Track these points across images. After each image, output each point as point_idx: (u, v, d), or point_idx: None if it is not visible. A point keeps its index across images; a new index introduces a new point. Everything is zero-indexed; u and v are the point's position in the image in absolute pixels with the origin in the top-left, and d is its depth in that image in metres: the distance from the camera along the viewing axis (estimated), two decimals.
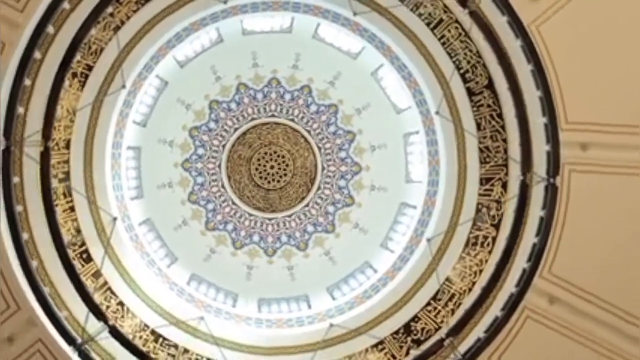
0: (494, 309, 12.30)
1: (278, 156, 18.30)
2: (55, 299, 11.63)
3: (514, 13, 10.81)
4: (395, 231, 16.98)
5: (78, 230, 13.61)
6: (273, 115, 18.22)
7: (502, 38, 11.19)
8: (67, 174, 13.59)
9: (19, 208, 11.10)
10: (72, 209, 13.62)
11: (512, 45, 11.07)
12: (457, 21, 13.50)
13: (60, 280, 12.23)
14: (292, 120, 18.15)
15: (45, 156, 11.55)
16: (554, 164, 10.98)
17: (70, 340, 11.08)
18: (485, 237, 13.97)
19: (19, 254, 10.86)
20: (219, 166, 18.16)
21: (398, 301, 14.59)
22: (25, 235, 11.14)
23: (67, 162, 13.59)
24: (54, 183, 12.60)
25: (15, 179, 11.09)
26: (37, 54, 11.18)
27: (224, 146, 18.08)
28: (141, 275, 14.62)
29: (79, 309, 12.27)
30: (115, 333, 11.69)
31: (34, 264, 11.08)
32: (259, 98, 18.10)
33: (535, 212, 11.55)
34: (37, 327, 11.29)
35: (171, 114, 17.57)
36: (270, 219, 18.40)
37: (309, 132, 18.20)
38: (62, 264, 11.86)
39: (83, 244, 13.65)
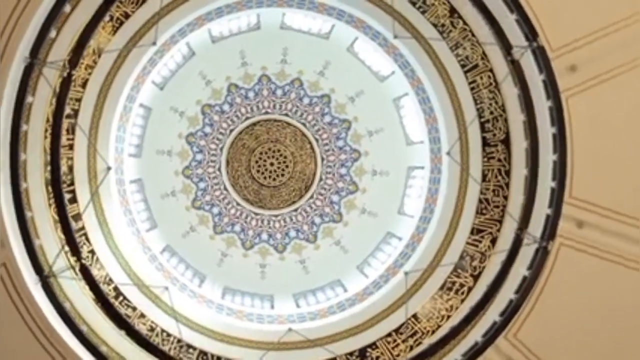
0: (454, 354, 12.28)
1: (280, 155, 18.30)
2: (32, 226, 11.44)
3: (552, 75, 10.93)
4: (375, 257, 16.98)
5: (70, 169, 13.54)
6: (287, 115, 18.25)
7: (533, 94, 11.28)
8: (76, 112, 13.56)
9: (24, 127, 11.01)
10: (71, 146, 13.57)
11: (542, 104, 11.19)
12: (491, 70, 13.65)
13: (42, 209, 12.09)
14: (304, 124, 18.19)
15: (65, 83, 11.46)
16: (551, 229, 11.06)
17: (37, 270, 10.91)
18: (462, 285, 14.01)
19: (12, 173, 10.73)
20: (221, 149, 18.13)
21: (361, 324, 14.56)
22: (23, 156, 11.03)
23: (79, 100, 13.58)
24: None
25: (29, 99, 11.01)
26: None
27: (231, 131, 18.09)
28: (119, 231, 14.51)
29: (53, 244, 12.12)
30: (85, 274, 11.52)
31: (23, 185, 10.95)
32: (279, 94, 18.14)
33: (519, 270, 11.58)
34: (4, 250, 11.12)
35: (189, 85, 17.55)
36: (256, 214, 18.37)
37: (317, 140, 18.24)
38: (54, 194, 11.68)
39: (72, 183, 13.56)
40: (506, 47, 11.00)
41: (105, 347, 11.71)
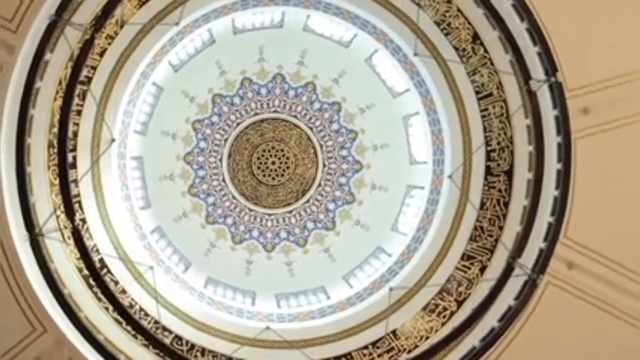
0: None
1: (283, 155, 18.32)
2: (29, 184, 11.38)
3: (566, 113, 11.01)
4: (362, 270, 16.96)
5: (75, 135, 13.49)
6: (296, 117, 18.30)
7: (544, 127, 11.34)
8: (90, 79, 13.56)
9: (38, 84, 11.00)
10: (79, 112, 13.53)
11: (551, 138, 11.27)
12: (504, 101, 13.69)
13: (41, 169, 12.06)
14: (311, 129, 18.23)
15: (84, 48, 11.47)
16: (542, 263, 11.08)
17: (28, 227, 10.85)
18: (445, 309, 14.02)
19: (19, 127, 10.71)
20: (225, 140, 18.14)
21: (339, 332, 14.50)
22: (32, 112, 11.02)
23: (94, 68, 13.58)
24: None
25: (47, 56, 11.02)
26: None
27: (237, 124, 18.12)
28: (113, 204, 14.46)
29: (46, 205, 12.07)
30: (76, 239, 11.45)
31: (27, 140, 10.93)
32: (291, 95, 18.21)
33: (506, 298, 11.60)
34: None
35: (204, 73, 17.57)
36: (250, 210, 18.35)
37: (321, 146, 18.27)
38: (58, 156, 11.64)
39: (74, 149, 13.49)
40: (525, 77, 11.05)
41: (82, 314, 11.58)
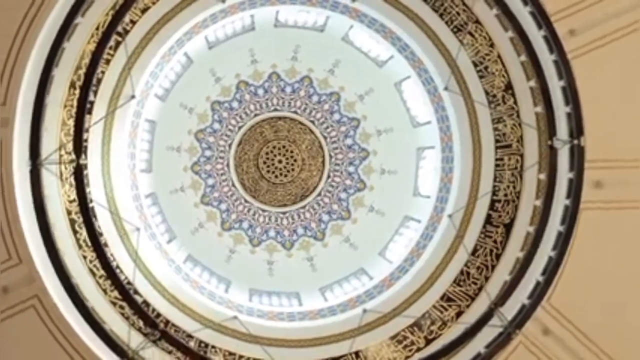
0: None
1: (291, 156, 18.34)
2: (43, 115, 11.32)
3: (580, 181, 11.03)
4: (340, 286, 16.90)
5: (98, 82, 13.49)
6: (313, 123, 18.35)
7: (557, 186, 11.37)
8: (127, 32, 13.63)
9: (78, 19, 11.01)
10: (107, 61, 13.57)
11: (560, 198, 11.30)
12: (521, 155, 13.77)
13: (57, 105, 12.06)
14: (325, 138, 18.29)
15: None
16: (522, 318, 11.06)
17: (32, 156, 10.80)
18: (412, 343, 13.98)
19: (49, 57, 10.69)
20: (240, 128, 18.18)
21: (304, 339, 14.47)
22: (65, 44, 11.01)
23: (134, 22, 13.69)
24: None
25: None
26: None
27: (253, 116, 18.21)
28: (116, 158, 14.42)
29: (53, 141, 12.05)
30: (79, 179, 11.39)
31: (54, 71, 10.90)
32: (314, 100, 18.33)
33: (477, 344, 11.55)
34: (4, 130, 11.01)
35: (236, 57, 17.63)
36: (246, 201, 18.34)
37: (331, 157, 18.31)
38: (80, 96, 11.64)
39: (94, 95, 13.50)
40: (550, 132, 11.10)
41: (61, 257, 11.43)
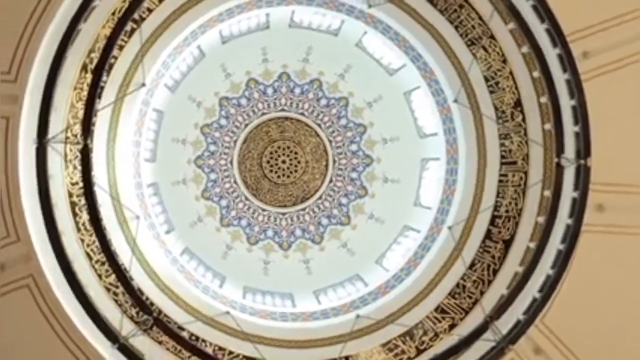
0: None
1: (295, 158, 18.34)
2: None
3: (584, 201, 11.02)
4: (334, 290, 16.88)
5: (110, 67, 13.47)
6: (320, 126, 18.36)
7: (560, 205, 11.36)
8: (142, 20, 13.63)
9: (96, 2, 11.02)
10: (121, 47, 13.53)
11: (563, 217, 11.28)
12: (526, 173, 13.74)
13: (67, 87, 12.01)
14: (331, 142, 18.31)
15: None
16: (517, 334, 11.03)
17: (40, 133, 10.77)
18: (403, 352, 13.94)
19: (65, 36, 10.67)
20: (246, 125, 18.20)
21: (295, 340, 14.41)
22: (82, 26, 11.01)
23: (150, 10, 13.68)
24: None
25: None
26: None
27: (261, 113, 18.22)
28: (122, 144, 14.40)
29: (60, 123, 12.00)
30: (85, 162, 11.37)
31: (69, 50, 10.88)
32: (322, 103, 18.32)
33: (469, 357, 11.51)
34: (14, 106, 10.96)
35: (247, 54, 17.68)
36: (246, 198, 18.35)
37: (334, 162, 18.32)
38: (92, 79, 11.64)
39: (105, 80, 13.49)
40: (558, 150, 11.11)
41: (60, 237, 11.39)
